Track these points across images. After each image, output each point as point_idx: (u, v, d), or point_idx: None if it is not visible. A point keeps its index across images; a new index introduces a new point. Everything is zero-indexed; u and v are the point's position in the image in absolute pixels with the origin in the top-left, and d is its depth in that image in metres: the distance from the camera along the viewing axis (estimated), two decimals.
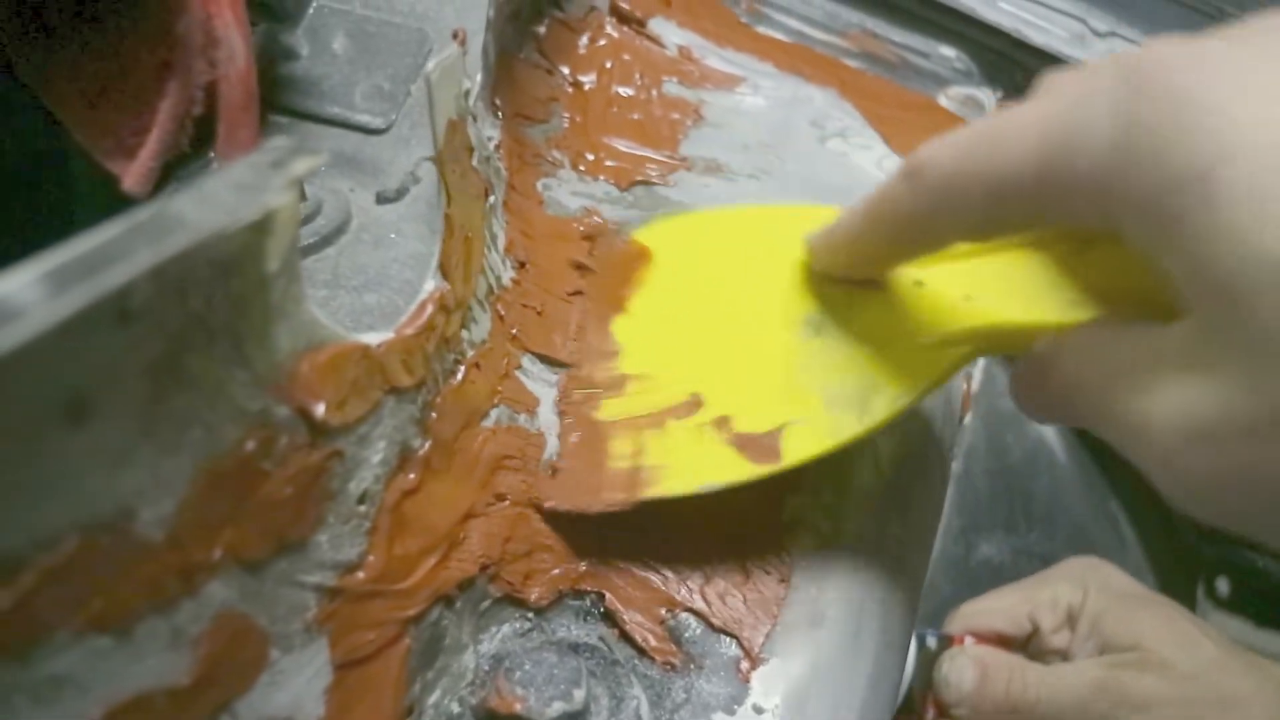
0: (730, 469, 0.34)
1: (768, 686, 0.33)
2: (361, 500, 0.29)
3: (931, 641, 0.52)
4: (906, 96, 0.50)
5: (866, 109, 0.48)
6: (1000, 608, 0.53)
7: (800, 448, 0.33)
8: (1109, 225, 0.25)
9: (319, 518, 0.28)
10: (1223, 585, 0.77)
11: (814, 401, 0.34)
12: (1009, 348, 0.32)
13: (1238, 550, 0.72)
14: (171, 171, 0.38)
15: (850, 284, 0.34)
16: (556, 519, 0.35)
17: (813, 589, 0.35)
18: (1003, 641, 0.52)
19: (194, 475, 0.23)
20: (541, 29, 0.47)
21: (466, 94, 0.33)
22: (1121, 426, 0.26)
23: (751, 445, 0.34)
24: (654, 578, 0.35)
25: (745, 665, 0.33)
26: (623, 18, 0.48)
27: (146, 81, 0.32)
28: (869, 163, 0.46)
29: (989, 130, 0.27)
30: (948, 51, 0.54)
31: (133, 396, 0.21)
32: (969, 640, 0.52)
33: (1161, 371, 0.25)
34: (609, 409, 0.37)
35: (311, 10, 0.49)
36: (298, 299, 0.26)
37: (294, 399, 0.26)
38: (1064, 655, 0.52)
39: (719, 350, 0.37)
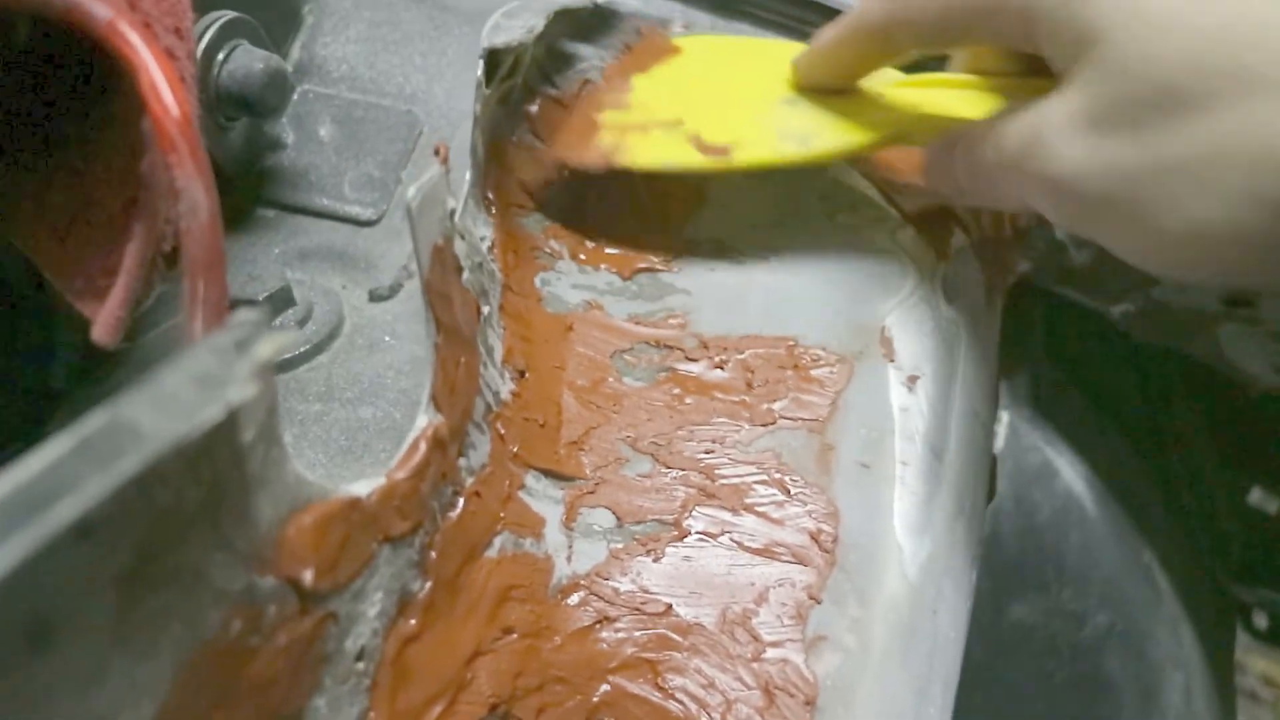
0: (689, 159, 0.43)
1: None
2: (360, 657, 0.28)
3: None
4: (916, 157, 0.48)
5: (876, 177, 0.46)
6: None
7: (748, 156, 0.42)
8: (1028, 34, 0.34)
9: (315, 683, 0.27)
10: (1260, 619, 0.75)
11: (769, 132, 0.42)
12: (929, 138, 0.41)
13: (1273, 594, 0.70)
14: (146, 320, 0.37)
15: (824, 91, 0.43)
16: (567, 651, 0.33)
17: (839, 709, 0.33)
18: None
19: (175, 673, 0.22)
20: (534, 108, 0.45)
21: (452, 214, 0.31)
22: (1029, 166, 0.34)
23: (710, 149, 0.42)
24: (673, 705, 0.33)
25: None
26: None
27: (115, 216, 0.31)
28: (882, 235, 0.44)
29: None
30: None
31: (100, 610, 0.19)
32: None
33: (1052, 112, 0.33)
34: (607, 116, 0.45)
35: (295, 96, 0.48)
36: (279, 461, 0.24)
37: (280, 570, 0.24)
38: None
39: (708, 101, 0.45)
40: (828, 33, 0.41)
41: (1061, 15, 0.32)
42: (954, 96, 0.40)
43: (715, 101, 0.45)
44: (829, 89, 0.42)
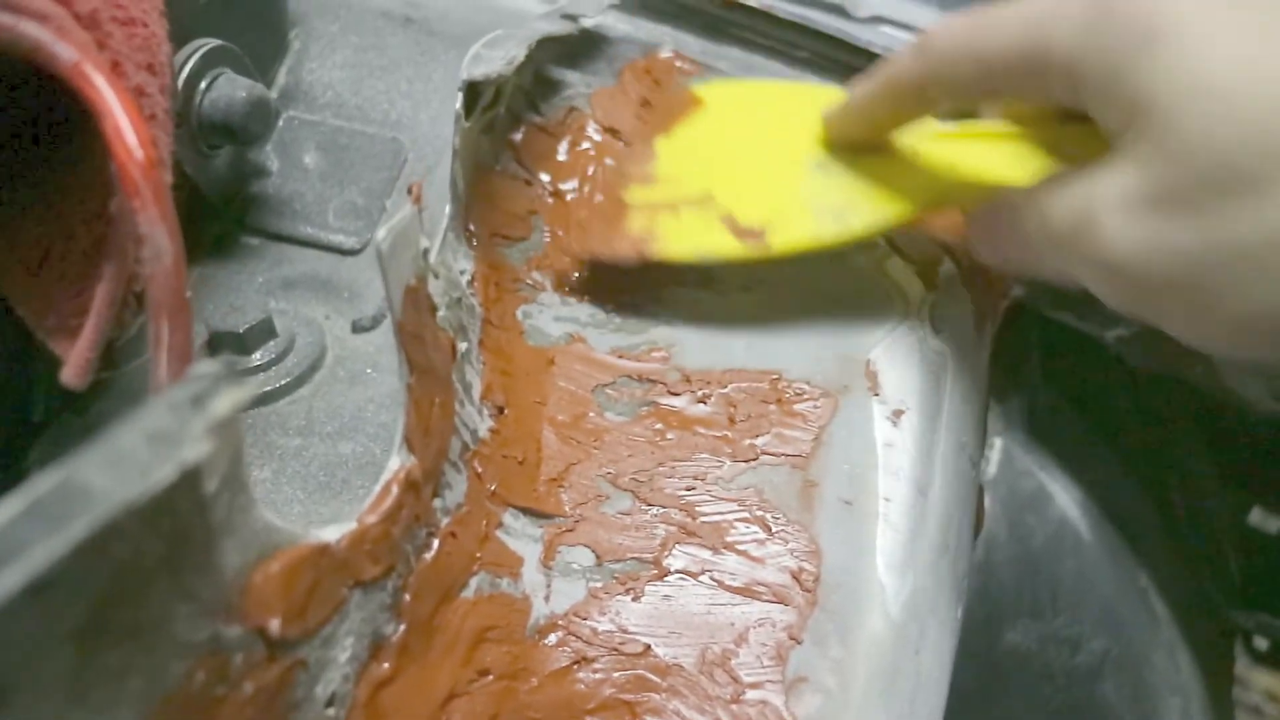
0: (725, 247, 0.41)
1: None
2: (330, 703, 0.28)
3: None
4: None
5: None
6: None
7: (784, 241, 0.40)
8: (1075, 95, 0.33)
9: None
10: (1261, 643, 0.74)
11: (804, 209, 0.41)
12: (971, 202, 0.40)
13: (1272, 619, 0.69)
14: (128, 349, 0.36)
15: (857, 148, 0.41)
16: (544, 693, 0.33)
17: None
18: None
19: None
20: (518, 136, 0.45)
21: (425, 253, 0.31)
22: (1081, 246, 0.33)
23: (745, 232, 0.41)
24: None
25: None
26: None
27: (87, 253, 0.31)
28: (869, 264, 0.43)
29: (986, 16, 0.35)
30: None
31: (54, 667, 0.19)
32: None
33: (1105, 188, 0.32)
34: (634, 194, 0.43)
35: (280, 123, 0.47)
36: (245, 508, 0.24)
37: (247, 619, 0.24)
38: None
39: (737, 170, 0.43)
40: (859, 87, 0.39)
41: (1111, 81, 0.31)
42: (996, 153, 0.38)
43: (744, 169, 0.43)
44: (862, 145, 0.41)
